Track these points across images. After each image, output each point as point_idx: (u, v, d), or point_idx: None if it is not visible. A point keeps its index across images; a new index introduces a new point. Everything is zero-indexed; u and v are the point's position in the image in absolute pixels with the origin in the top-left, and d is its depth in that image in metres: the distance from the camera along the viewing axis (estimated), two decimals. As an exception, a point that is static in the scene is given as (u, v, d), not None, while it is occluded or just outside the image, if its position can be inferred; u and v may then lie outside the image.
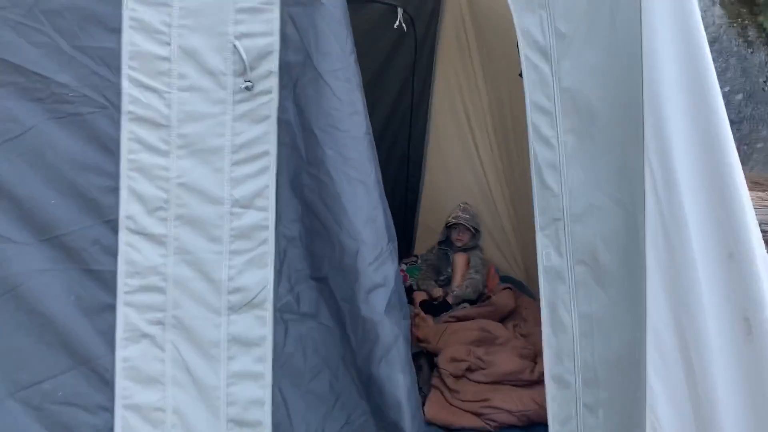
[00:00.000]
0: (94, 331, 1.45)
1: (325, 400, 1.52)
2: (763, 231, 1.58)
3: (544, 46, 1.59)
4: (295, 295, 1.55)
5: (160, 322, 1.49)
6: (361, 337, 1.49)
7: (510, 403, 2.31)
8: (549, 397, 1.59)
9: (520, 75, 2.27)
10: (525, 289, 3.37)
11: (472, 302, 3.17)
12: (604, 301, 1.54)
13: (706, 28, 1.51)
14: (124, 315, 1.47)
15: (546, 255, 1.58)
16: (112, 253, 1.46)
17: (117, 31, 1.47)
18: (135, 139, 1.48)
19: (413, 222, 3.89)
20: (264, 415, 1.50)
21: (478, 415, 2.24)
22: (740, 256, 1.41)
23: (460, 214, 3.44)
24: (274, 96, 1.51)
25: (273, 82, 1.51)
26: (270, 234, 1.52)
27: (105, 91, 1.46)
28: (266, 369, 1.52)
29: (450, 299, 3.13)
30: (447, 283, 3.34)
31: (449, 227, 3.47)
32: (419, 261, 3.69)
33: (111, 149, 1.47)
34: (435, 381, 2.52)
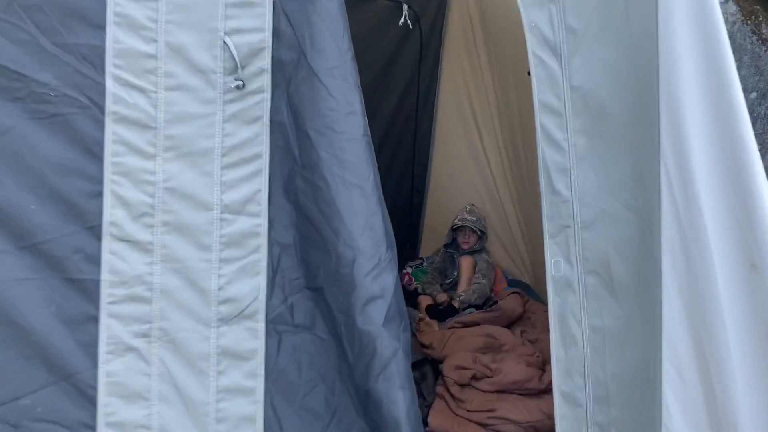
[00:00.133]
0: (75, 343, 1.39)
1: (320, 416, 1.46)
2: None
3: (554, 42, 1.53)
4: (288, 305, 1.49)
5: (145, 335, 1.42)
6: (357, 351, 1.42)
7: (517, 413, 2.25)
8: (558, 415, 1.52)
9: (529, 73, 2.22)
10: (533, 292, 3.32)
11: (478, 307, 3.12)
12: (616, 313, 1.48)
13: (718, 25, 1.41)
14: (107, 327, 1.41)
15: (555, 264, 1.52)
16: (95, 261, 1.40)
17: (101, 27, 1.40)
18: (119, 141, 1.41)
19: (419, 224, 3.85)
20: (256, 432, 1.44)
21: (483, 425, 2.20)
22: (763, 267, 1.34)
23: (466, 216, 3.40)
24: (267, 95, 1.45)
25: (265, 81, 1.45)
26: (262, 241, 1.47)
27: (88, 91, 1.40)
28: (258, 384, 1.46)
29: (456, 303, 3.07)
30: (453, 286, 3.29)
31: (455, 230, 3.43)
32: (425, 263, 3.65)
33: (94, 152, 1.41)
34: (439, 389, 2.46)
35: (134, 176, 1.42)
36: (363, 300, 1.41)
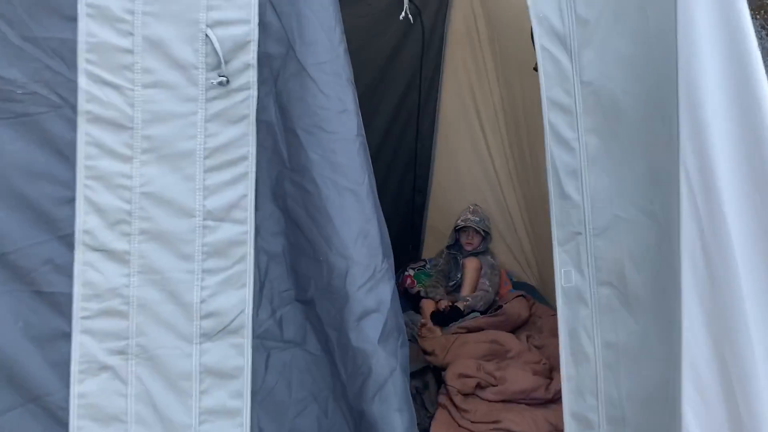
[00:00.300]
0: (45, 362, 1.30)
1: (311, 439, 1.36)
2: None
3: (563, 34, 1.45)
4: (277, 319, 1.40)
5: (122, 352, 1.34)
6: (351, 369, 1.32)
7: (523, 424, 2.20)
8: (568, 437, 1.42)
9: (535, 69, 2.14)
10: (539, 295, 3.28)
11: (482, 311, 3.06)
12: (632, 327, 1.40)
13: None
14: (80, 344, 1.33)
15: (565, 274, 1.45)
16: (67, 273, 1.32)
17: (72, 19, 1.31)
18: (93, 143, 1.33)
19: (421, 225, 3.81)
20: (242, 456, 1.36)
21: (488, 437, 2.13)
22: (794, 278, 1.26)
23: (469, 216, 3.37)
24: (252, 93, 1.37)
25: (251, 77, 1.37)
26: (248, 250, 1.38)
27: (59, 88, 1.32)
28: (244, 404, 1.37)
29: (460, 305, 3.02)
30: (457, 288, 3.25)
31: (458, 230, 3.40)
32: (427, 265, 3.60)
33: (66, 154, 1.32)
34: (442, 399, 2.40)
35: (109, 180, 1.34)
36: (357, 314, 1.31)
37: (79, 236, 1.33)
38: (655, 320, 1.38)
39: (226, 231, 1.37)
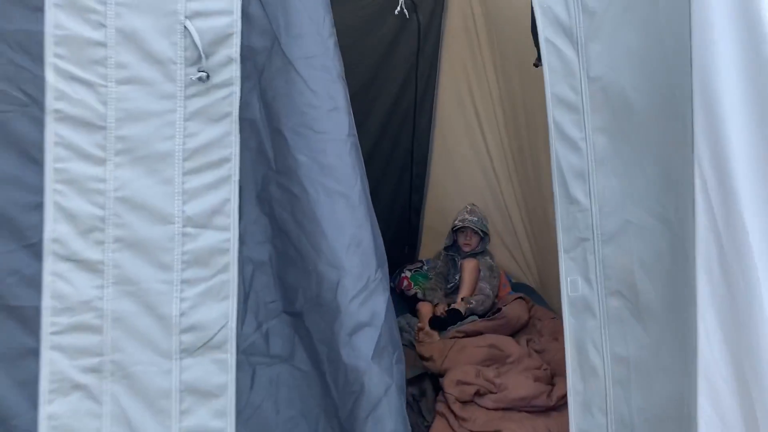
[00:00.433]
0: (11, 382, 1.22)
1: (301, 462, 1.28)
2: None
3: (569, 25, 1.38)
4: (263, 333, 1.32)
5: (95, 369, 1.26)
6: (343, 387, 1.24)
7: None
8: (576, 458, 1.35)
9: (535, 65, 2.07)
10: (538, 297, 3.28)
11: (481, 314, 3.02)
12: (643, 340, 1.34)
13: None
14: (50, 361, 1.24)
15: (571, 283, 1.39)
16: (35, 285, 1.24)
17: (39, 9, 1.23)
18: (63, 144, 1.25)
19: (418, 225, 3.80)
20: (225, 481, 1.30)
21: (487, 446, 2.07)
22: (819, 289, 1.20)
23: (467, 216, 3.33)
24: (235, 89, 1.30)
25: (233, 72, 1.30)
26: (232, 259, 1.30)
27: (25, 85, 1.24)
28: (228, 424, 1.29)
29: (462, 306, 2.98)
30: (455, 290, 3.20)
31: (456, 231, 3.35)
32: (424, 267, 3.57)
33: (33, 157, 1.25)
34: (440, 407, 2.34)
35: (81, 185, 1.26)
36: (349, 329, 1.23)
37: (48, 245, 1.25)
38: (669, 333, 1.32)
39: (207, 238, 1.30)
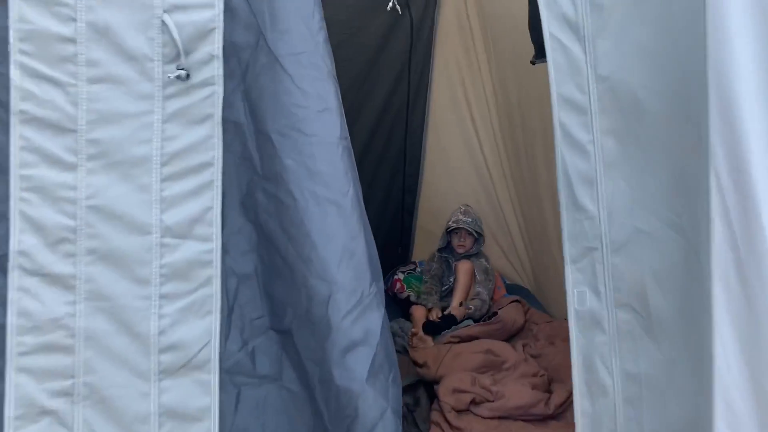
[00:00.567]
0: None
1: (290, 489, 1.21)
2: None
3: (576, 20, 1.31)
4: (248, 351, 1.26)
5: (67, 393, 1.20)
6: (335, 411, 1.16)
7: None
8: (584, 482, 1.29)
9: (532, 62, 2.01)
10: (533, 299, 3.26)
11: (476, 318, 2.98)
12: (655, 357, 1.28)
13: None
14: (16, 385, 1.18)
15: (578, 296, 1.33)
16: (0, 301, 1.19)
17: (1, 1, 1.17)
18: (30, 148, 1.19)
19: (411, 226, 3.76)
20: None
21: (484, 456, 2.05)
22: None
23: (461, 217, 3.28)
24: (217, 88, 1.24)
25: (215, 70, 1.24)
26: (214, 272, 1.24)
27: None
28: None
29: (456, 311, 2.94)
30: (450, 293, 3.16)
31: (449, 232, 3.31)
32: (417, 269, 3.52)
33: None
34: (435, 416, 2.28)
35: (49, 192, 1.20)
36: (341, 347, 1.16)
37: (13, 258, 1.19)
38: (683, 349, 1.26)
39: (187, 250, 1.24)
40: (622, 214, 1.31)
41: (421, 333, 2.82)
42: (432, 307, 3.05)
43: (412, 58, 3.31)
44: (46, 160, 1.19)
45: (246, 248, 1.26)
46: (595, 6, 1.30)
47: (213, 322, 1.23)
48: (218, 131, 1.24)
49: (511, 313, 2.93)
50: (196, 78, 1.22)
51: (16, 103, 1.17)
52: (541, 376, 2.44)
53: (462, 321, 2.93)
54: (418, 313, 3.02)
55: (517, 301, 3.06)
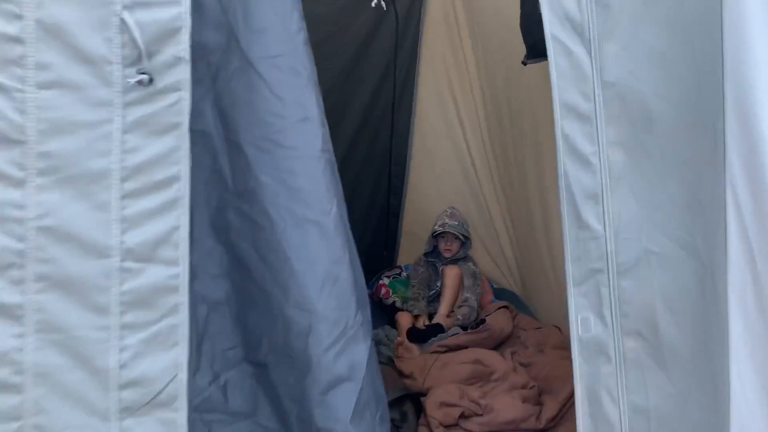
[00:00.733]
0: None
1: None
2: None
3: (580, 21, 1.24)
4: (220, 386, 1.17)
5: None
6: None
7: None
8: None
9: (523, 63, 1.94)
10: (520, 303, 3.24)
11: (463, 326, 2.93)
12: (666, 389, 1.23)
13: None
14: None
15: (582, 322, 1.26)
16: None
17: None
18: None
19: (396, 229, 3.72)
20: None
21: (472, 474, 2.03)
22: None
23: (447, 221, 3.23)
24: (184, 95, 1.13)
25: (182, 75, 1.13)
26: (181, 299, 1.13)
27: None
28: None
29: (442, 320, 2.89)
30: (437, 298, 3.11)
31: (436, 236, 3.26)
32: (403, 273, 3.47)
33: None
34: (422, 431, 2.21)
35: None
36: (323, 385, 1.07)
37: None
38: (697, 380, 1.21)
39: (151, 275, 1.13)
40: (630, 233, 1.26)
41: (406, 342, 2.76)
42: (419, 315, 3.00)
43: (398, 56, 3.28)
44: (-11, 176, 1.07)
45: (216, 272, 1.17)
46: (601, 6, 1.24)
47: (180, 354, 1.13)
48: (185, 143, 1.13)
49: (499, 321, 2.87)
50: (160, 83, 1.12)
51: (-46, 111, 1.06)
52: (531, 387, 2.39)
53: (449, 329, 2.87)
54: (404, 320, 2.97)
55: (505, 306, 3.01)
